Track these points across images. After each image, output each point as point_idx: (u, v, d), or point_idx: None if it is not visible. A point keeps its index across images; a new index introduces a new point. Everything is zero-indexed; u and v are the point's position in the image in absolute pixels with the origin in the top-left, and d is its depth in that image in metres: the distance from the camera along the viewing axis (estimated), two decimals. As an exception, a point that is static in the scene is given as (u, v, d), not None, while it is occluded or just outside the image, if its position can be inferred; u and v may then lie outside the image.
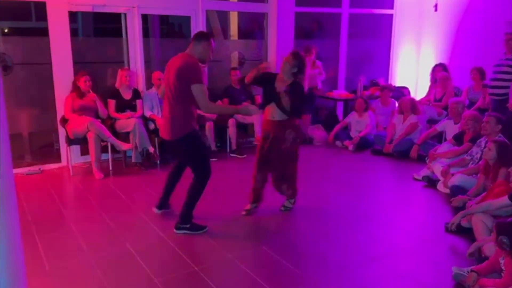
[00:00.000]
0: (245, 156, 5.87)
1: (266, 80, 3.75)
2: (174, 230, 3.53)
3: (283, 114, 3.69)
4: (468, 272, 2.75)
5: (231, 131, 5.90)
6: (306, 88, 3.88)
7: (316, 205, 4.22)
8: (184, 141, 3.41)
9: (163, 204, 3.87)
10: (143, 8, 5.62)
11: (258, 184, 3.91)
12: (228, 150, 6.05)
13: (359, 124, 6.41)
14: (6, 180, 1.29)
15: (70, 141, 5.04)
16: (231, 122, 5.87)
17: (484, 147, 4.24)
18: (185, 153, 3.56)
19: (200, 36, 3.45)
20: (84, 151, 5.32)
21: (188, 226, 3.52)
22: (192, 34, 6.02)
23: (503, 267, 2.55)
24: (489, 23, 6.43)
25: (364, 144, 6.23)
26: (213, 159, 5.71)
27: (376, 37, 8.03)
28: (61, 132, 5.21)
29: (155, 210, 3.86)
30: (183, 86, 3.29)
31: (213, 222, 3.72)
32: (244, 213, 3.90)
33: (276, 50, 6.65)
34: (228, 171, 5.39)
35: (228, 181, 4.96)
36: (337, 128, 6.49)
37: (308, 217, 3.93)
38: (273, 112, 3.72)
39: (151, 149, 5.20)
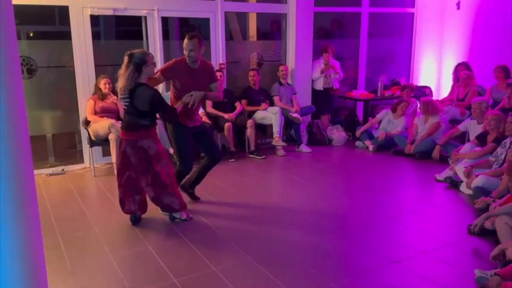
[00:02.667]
0: (263, 157, 5.87)
1: None
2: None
3: None
4: (491, 275, 2.68)
5: (250, 132, 5.91)
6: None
7: (337, 206, 4.18)
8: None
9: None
10: (163, 11, 5.69)
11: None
12: (246, 151, 6.06)
13: (390, 125, 6.26)
14: (28, 182, 1.33)
15: (92, 143, 5.14)
16: (249, 123, 5.88)
17: (509, 148, 4.13)
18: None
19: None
20: (106, 152, 5.43)
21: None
22: (211, 35, 6.13)
23: (528, 272, 2.48)
24: (513, 20, 6.28)
25: (385, 145, 6.15)
26: (232, 160, 5.75)
27: (397, 36, 7.91)
28: (84, 133, 5.32)
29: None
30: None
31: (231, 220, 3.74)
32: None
33: (295, 50, 6.63)
34: (247, 171, 5.40)
35: (246, 182, 4.97)
36: (367, 125, 6.43)
37: (327, 216, 3.90)
38: None
39: (171, 150, 5.25)
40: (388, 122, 6.27)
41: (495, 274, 2.62)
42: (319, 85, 6.78)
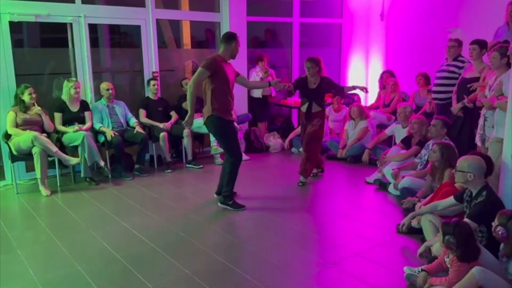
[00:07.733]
0: (201, 166, 5.80)
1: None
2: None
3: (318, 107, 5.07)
4: (418, 271, 2.83)
5: (186, 141, 5.81)
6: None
7: (272, 211, 4.22)
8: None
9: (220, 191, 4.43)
10: (90, 17, 5.46)
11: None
12: (184, 161, 5.95)
13: None
14: None
15: (13, 158, 4.78)
16: (186, 132, 5.78)
17: (431, 150, 4.41)
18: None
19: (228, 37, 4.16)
20: (30, 167, 5.07)
21: (230, 203, 4.26)
22: (143, 43, 5.97)
23: (448, 265, 2.64)
24: (431, 31, 6.75)
25: (319, 150, 6.35)
26: (169, 171, 5.62)
27: (327, 45, 8.23)
28: (4, 148, 4.94)
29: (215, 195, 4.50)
30: None
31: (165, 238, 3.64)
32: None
33: (229, 58, 6.64)
34: (184, 182, 5.30)
35: (183, 193, 4.88)
36: (293, 134, 6.57)
37: (263, 223, 3.92)
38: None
39: (102, 163, 5.03)
40: None
41: (422, 270, 2.77)
42: (258, 93, 6.85)
